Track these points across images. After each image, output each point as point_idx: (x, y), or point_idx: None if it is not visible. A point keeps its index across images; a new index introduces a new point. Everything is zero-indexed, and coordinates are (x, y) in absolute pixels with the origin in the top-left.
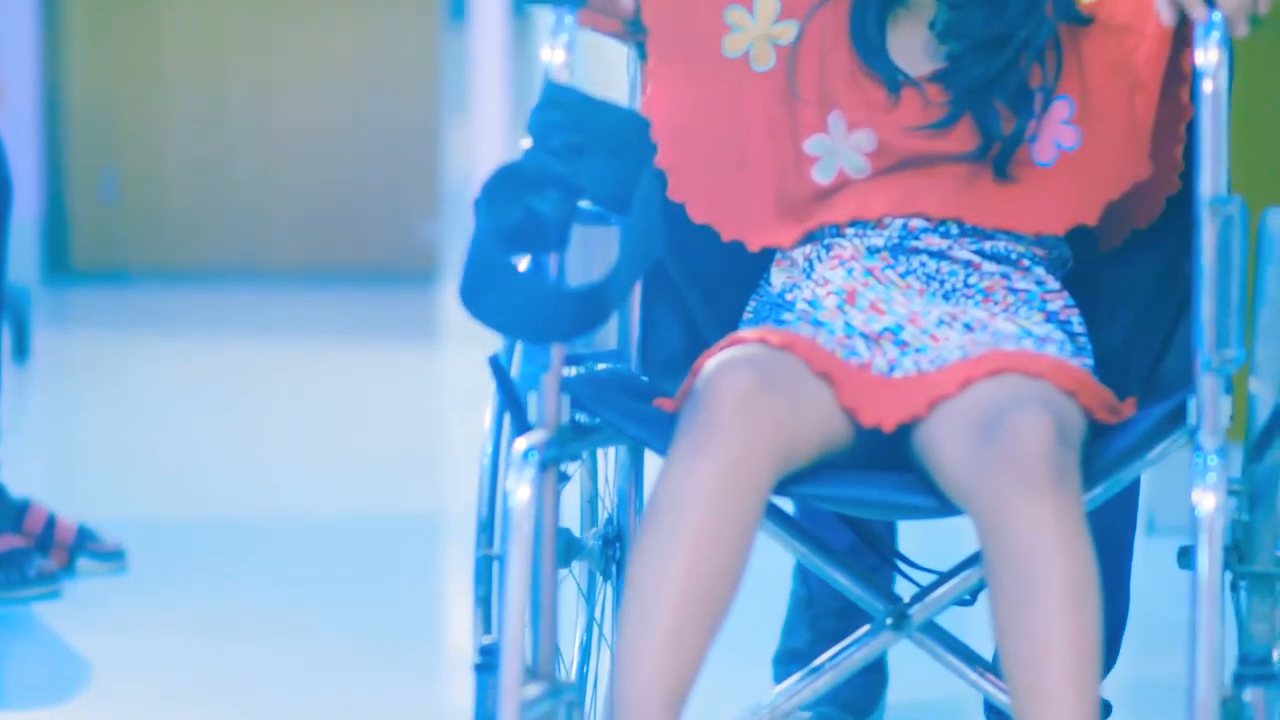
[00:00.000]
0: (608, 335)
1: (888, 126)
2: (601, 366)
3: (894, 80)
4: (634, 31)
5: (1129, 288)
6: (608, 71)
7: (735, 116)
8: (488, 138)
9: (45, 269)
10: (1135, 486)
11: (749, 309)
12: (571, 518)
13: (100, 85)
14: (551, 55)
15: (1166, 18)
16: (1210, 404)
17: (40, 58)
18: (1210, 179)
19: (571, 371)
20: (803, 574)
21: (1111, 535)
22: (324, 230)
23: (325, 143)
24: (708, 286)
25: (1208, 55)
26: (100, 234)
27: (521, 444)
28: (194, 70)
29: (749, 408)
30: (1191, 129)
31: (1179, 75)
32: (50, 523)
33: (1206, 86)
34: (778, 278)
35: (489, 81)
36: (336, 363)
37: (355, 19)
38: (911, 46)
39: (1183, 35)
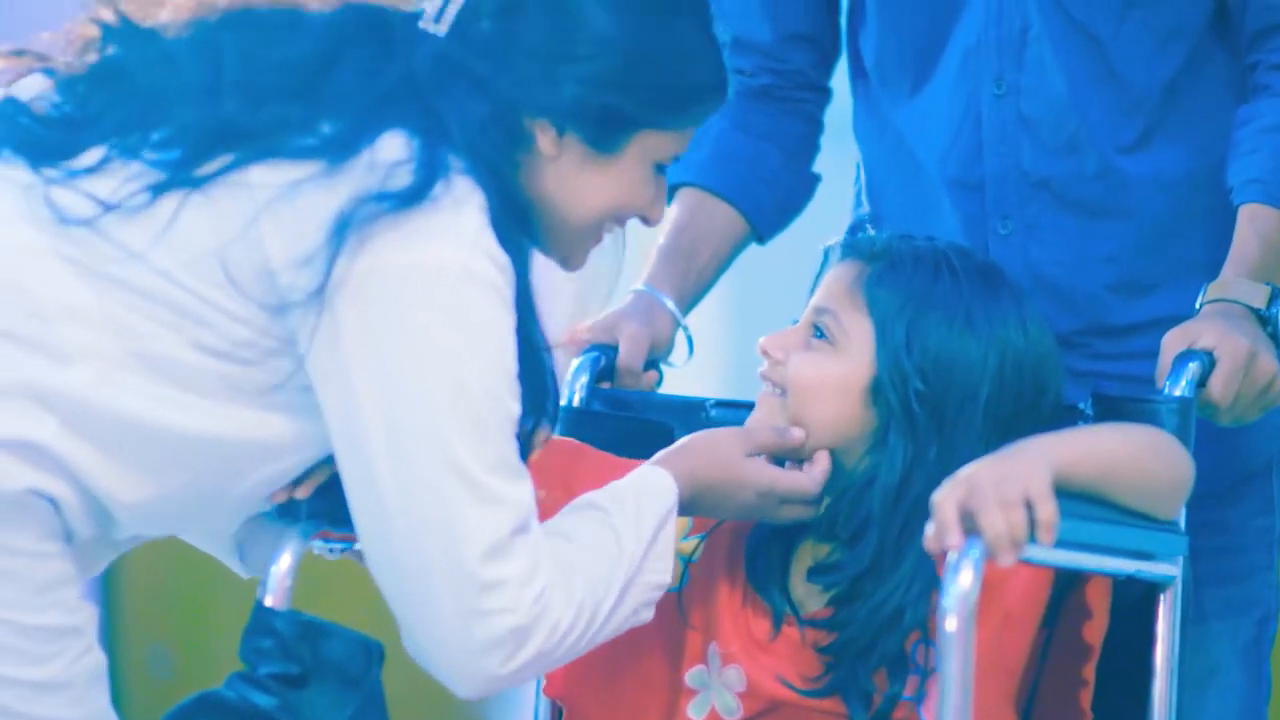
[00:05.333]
0: None
1: (760, 667)
2: None
3: (779, 615)
4: None
5: None
6: None
7: (635, 641)
8: None
9: None
10: None
11: None
12: None
13: (153, 559)
14: (275, 570)
15: (931, 546)
16: None
17: None
18: None
19: None
20: None
21: None
22: None
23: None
24: None
25: (958, 584)
26: (154, 708)
27: None
28: None
29: None
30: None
31: (1079, 680)
32: None
33: (949, 624)
34: None
35: None
36: None
37: None
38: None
39: (1082, 604)
